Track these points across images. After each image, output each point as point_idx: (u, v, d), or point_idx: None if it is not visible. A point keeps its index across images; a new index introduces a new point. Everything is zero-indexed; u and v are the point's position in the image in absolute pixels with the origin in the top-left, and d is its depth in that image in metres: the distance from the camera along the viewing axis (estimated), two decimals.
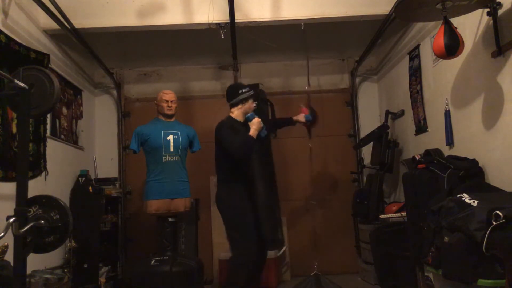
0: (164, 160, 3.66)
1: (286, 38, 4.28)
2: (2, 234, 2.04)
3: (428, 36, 3.49)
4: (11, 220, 2.05)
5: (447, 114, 3.15)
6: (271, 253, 4.07)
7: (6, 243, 2.42)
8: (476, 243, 1.88)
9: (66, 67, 4.15)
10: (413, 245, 2.76)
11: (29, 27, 3.42)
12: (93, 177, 4.47)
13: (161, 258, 3.54)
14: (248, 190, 3.15)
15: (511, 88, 2.41)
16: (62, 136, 3.98)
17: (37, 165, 3.44)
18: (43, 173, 3.53)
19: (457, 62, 2.94)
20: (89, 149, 4.66)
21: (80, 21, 3.61)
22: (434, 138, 3.42)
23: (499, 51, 2.45)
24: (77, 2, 3.63)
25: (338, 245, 4.77)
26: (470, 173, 2.61)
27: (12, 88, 2.23)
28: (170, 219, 3.68)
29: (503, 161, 2.50)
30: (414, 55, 3.78)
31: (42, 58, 3.50)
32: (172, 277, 3.42)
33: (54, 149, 3.73)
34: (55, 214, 2.22)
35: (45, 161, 3.56)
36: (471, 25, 2.76)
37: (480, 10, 2.59)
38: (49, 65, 3.58)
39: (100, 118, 4.99)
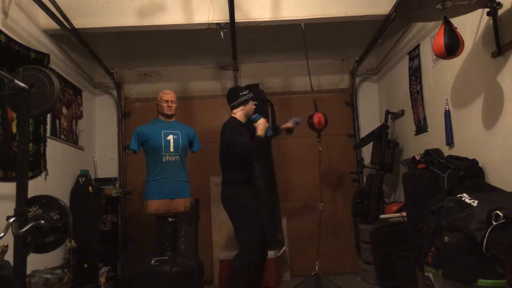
0: (164, 160, 3.66)
1: (286, 38, 4.28)
2: (2, 234, 2.04)
3: (428, 36, 3.49)
4: (11, 220, 2.05)
5: (447, 114, 3.15)
6: (271, 253, 4.07)
7: (6, 243, 2.42)
8: (476, 243, 1.88)
9: (66, 67, 4.15)
10: (413, 245, 2.76)
11: (29, 27, 3.42)
12: (93, 177, 4.47)
13: (161, 258, 3.54)
14: (255, 190, 3.27)
15: (511, 88, 2.41)
16: (62, 136, 3.98)
17: (37, 165, 3.44)
18: (43, 173, 3.53)
19: (457, 62, 2.94)
20: (89, 149, 4.66)
21: (80, 21, 3.61)
22: (434, 138, 3.42)
23: (499, 51, 2.45)
24: (77, 2, 3.63)
25: (338, 245, 4.77)
26: (470, 173, 2.61)
27: (12, 88, 2.23)
28: (170, 219, 3.68)
29: (503, 161, 2.50)
30: (414, 55, 3.78)
31: (42, 58, 3.50)
32: (172, 277, 3.42)
33: (54, 149, 3.73)
34: (55, 214, 2.22)
35: (45, 161, 3.56)
36: (471, 25, 2.76)
37: (480, 10, 2.59)
38: (49, 65, 3.58)
39: (100, 118, 4.99)
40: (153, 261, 3.51)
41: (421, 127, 3.70)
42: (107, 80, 4.96)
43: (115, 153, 4.93)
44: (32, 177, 3.30)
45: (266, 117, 4.46)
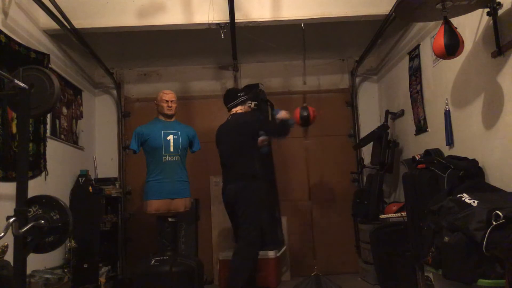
0: (164, 160, 3.66)
1: (286, 38, 4.28)
2: (2, 234, 2.04)
3: (428, 36, 3.49)
4: (11, 220, 2.05)
5: (447, 114, 3.15)
6: (271, 253, 4.08)
7: (6, 243, 2.42)
8: (476, 243, 1.88)
9: (66, 67, 4.15)
10: (413, 245, 2.76)
11: (29, 27, 3.42)
12: (93, 177, 4.47)
13: (161, 258, 3.54)
14: (268, 187, 3.48)
15: (511, 88, 2.41)
16: (62, 136, 3.98)
17: (37, 165, 3.45)
18: (43, 173, 3.53)
19: (457, 62, 2.94)
20: (89, 149, 4.66)
21: (80, 21, 3.61)
22: (434, 138, 3.42)
23: (499, 51, 2.45)
24: (77, 2, 3.63)
25: (338, 245, 4.77)
26: (470, 173, 2.60)
27: (12, 88, 2.23)
28: (170, 219, 3.68)
29: (503, 161, 2.50)
30: (414, 55, 3.78)
31: (42, 58, 3.50)
32: (172, 277, 3.42)
33: (54, 149, 3.73)
34: (55, 214, 2.22)
35: (45, 161, 3.56)
36: (471, 25, 2.76)
37: (480, 10, 2.59)
38: (49, 65, 3.58)
39: (100, 118, 4.99)
40: (153, 261, 3.51)
41: (421, 127, 3.70)
42: (107, 80, 4.96)
43: (115, 153, 4.93)
44: (32, 177, 3.30)
45: (266, 117, 4.48)
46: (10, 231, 2.07)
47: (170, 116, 3.81)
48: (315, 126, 4.91)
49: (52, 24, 3.47)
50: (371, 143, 4.43)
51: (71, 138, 4.21)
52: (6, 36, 3.03)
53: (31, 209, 2.19)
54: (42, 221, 2.17)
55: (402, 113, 4.16)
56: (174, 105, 3.81)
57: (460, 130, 3.02)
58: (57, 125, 3.90)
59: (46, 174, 3.56)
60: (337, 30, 4.22)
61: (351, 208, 4.50)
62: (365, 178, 4.71)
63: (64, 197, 3.82)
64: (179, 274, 3.45)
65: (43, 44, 3.64)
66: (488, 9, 2.51)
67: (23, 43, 3.26)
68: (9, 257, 2.29)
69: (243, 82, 4.87)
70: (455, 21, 2.60)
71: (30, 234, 2.12)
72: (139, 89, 5.06)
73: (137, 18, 3.67)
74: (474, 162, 2.70)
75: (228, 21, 3.59)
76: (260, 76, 4.94)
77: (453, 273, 2.06)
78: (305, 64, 4.99)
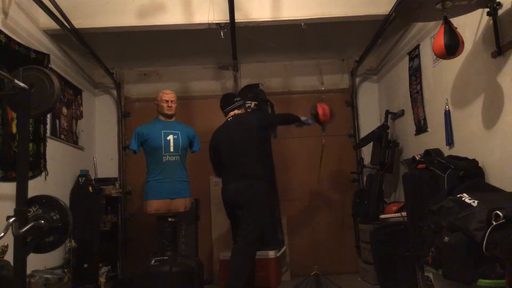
0: (164, 160, 3.66)
1: (286, 38, 4.29)
2: (2, 234, 2.04)
3: (428, 36, 3.49)
4: (11, 220, 2.06)
5: (447, 114, 3.15)
6: (271, 253, 4.08)
7: (6, 243, 2.42)
8: (476, 243, 1.88)
9: (66, 67, 4.15)
10: (413, 245, 2.76)
11: (29, 27, 3.42)
12: (93, 177, 4.47)
13: (161, 258, 3.54)
14: (267, 188, 3.53)
15: (511, 88, 2.41)
16: (62, 136, 3.98)
17: (37, 165, 3.45)
18: (43, 173, 3.53)
19: (457, 62, 2.94)
20: (89, 149, 4.67)
21: (80, 21, 3.61)
22: (434, 138, 3.42)
23: (499, 51, 2.45)
24: (77, 2, 3.63)
25: (338, 245, 4.77)
26: (470, 173, 2.60)
27: (12, 88, 2.23)
28: (170, 219, 3.68)
29: (503, 161, 2.50)
30: (414, 55, 3.78)
31: (42, 58, 3.50)
32: (172, 277, 3.42)
33: (54, 149, 3.73)
34: (55, 214, 2.22)
35: (45, 161, 3.56)
36: (471, 25, 2.76)
37: (480, 10, 2.59)
38: (49, 65, 3.58)
39: (100, 118, 4.99)
40: (153, 261, 3.51)
41: (421, 127, 3.70)
42: (107, 80, 4.96)
43: (115, 153, 4.93)
44: (32, 177, 3.30)
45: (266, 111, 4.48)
46: (10, 231, 2.07)
47: (170, 116, 3.81)
48: (315, 126, 4.92)
49: (52, 24, 3.47)
50: (371, 143, 4.43)
51: (71, 138, 4.21)
52: (6, 36, 3.03)
53: (31, 209, 2.19)
54: (42, 221, 2.18)
55: (402, 113, 4.16)
56: (174, 105, 3.81)
57: (460, 130, 3.02)
58: (57, 125, 3.90)
59: (46, 174, 3.56)
60: (337, 30, 4.22)
61: (351, 208, 4.50)
62: (365, 178, 4.70)
63: (64, 197, 3.82)
64: (179, 274, 3.45)
65: (43, 44, 3.64)
66: (488, 9, 2.51)
67: (23, 43, 3.26)
68: (9, 257, 2.30)
69: (243, 82, 4.87)
70: (455, 21, 2.60)
71: (30, 234, 2.12)
72: (139, 89, 5.06)
73: (137, 18, 3.67)
74: (474, 162, 2.69)
75: (228, 21, 3.59)
76: (260, 76, 4.94)
77: (453, 273, 2.06)
78: (303, 64, 5.01)
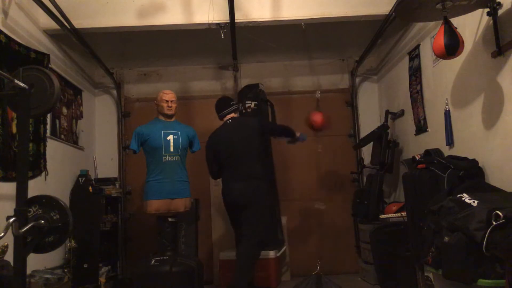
0: (164, 160, 3.66)
1: (286, 38, 4.28)
2: (2, 234, 2.05)
3: (428, 36, 3.49)
4: (11, 220, 2.06)
5: (447, 114, 3.15)
6: (271, 253, 4.08)
7: (6, 243, 2.42)
8: (476, 243, 1.88)
9: (66, 67, 4.15)
10: (413, 245, 2.76)
11: (29, 27, 3.42)
12: (93, 177, 4.47)
13: (161, 258, 3.54)
14: (268, 188, 3.60)
15: (511, 88, 2.41)
16: (62, 136, 3.98)
17: (37, 165, 3.45)
18: (43, 173, 3.53)
19: (457, 62, 2.94)
20: (89, 149, 4.66)
21: (80, 21, 3.61)
22: (434, 138, 3.42)
23: (499, 51, 2.45)
24: (77, 2, 3.63)
25: (338, 245, 4.77)
26: (470, 173, 2.60)
27: (12, 88, 2.23)
28: (170, 219, 3.68)
29: (503, 161, 2.50)
30: (414, 55, 3.78)
31: (42, 58, 3.50)
32: (172, 277, 3.42)
33: (54, 149, 3.73)
34: (55, 214, 2.22)
35: (45, 161, 3.56)
36: (471, 25, 2.76)
37: (480, 10, 2.59)
38: (49, 65, 3.58)
39: (100, 118, 4.99)
40: (153, 261, 3.51)
41: (421, 127, 3.70)
42: (107, 80, 4.96)
43: (115, 153, 4.93)
44: (32, 177, 3.30)
45: (266, 117, 4.49)
46: (10, 231, 2.07)
47: (170, 116, 3.81)
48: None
49: (52, 24, 3.47)
50: (371, 143, 4.43)
51: (71, 138, 4.21)
52: (6, 36, 3.03)
53: (31, 209, 2.19)
54: (42, 221, 2.18)
55: (402, 113, 4.16)
56: (174, 105, 3.81)
57: (460, 130, 3.02)
58: (57, 125, 3.90)
59: (46, 174, 3.56)
60: (337, 30, 4.22)
61: (351, 208, 4.50)
62: (365, 178, 4.70)
63: (64, 197, 3.82)
64: (179, 274, 3.45)
65: (43, 44, 3.64)
66: (488, 9, 2.51)
67: (23, 43, 3.26)
68: (9, 257, 2.30)
69: (243, 82, 4.87)
70: (455, 21, 2.60)
71: (30, 234, 2.13)
72: (139, 89, 5.06)
73: (137, 18, 3.67)
74: (474, 162, 2.69)
75: (228, 21, 3.59)
76: (260, 76, 4.94)
77: (453, 273, 2.06)
78: (303, 64, 5.01)
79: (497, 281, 1.87)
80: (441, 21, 2.51)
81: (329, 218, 4.84)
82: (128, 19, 3.67)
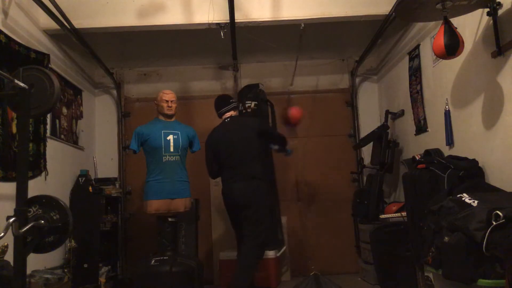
0: (164, 160, 3.66)
1: (286, 38, 4.28)
2: (2, 234, 2.04)
3: (428, 36, 3.49)
4: (11, 220, 2.05)
5: (447, 114, 3.15)
6: (271, 253, 4.08)
7: (6, 243, 2.42)
8: (476, 243, 1.88)
9: (66, 67, 4.15)
10: (413, 245, 2.76)
11: (29, 27, 3.42)
12: (93, 177, 4.47)
13: (161, 258, 3.54)
14: (268, 188, 3.61)
15: (511, 88, 2.41)
16: (62, 136, 3.98)
17: (37, 165, 3.44)
18: (43, 173, 3.53)
19: (457, 62, 2.94)
20: (89, 149, 4.66)
21: (80, 21, 3.61)
22: (434, 138, 3.42)
23: (499, 51, 2.45)
24: (77, 2, 3.63)
25: (338, 245, 4.77)
26: (470, 173, 2.60)
27: (12, 88, 2.23)
28: (170, 219, 3.68)
29: (503, 161, 2.50)
30: (414, 55, 3.78)
31: (42, 58, 3.50)
32: (172, 277, 3.42)
33: (54, 149, 3.73)
34: (55, 214, 2.22)
35: (45, 161, 3.56)
36: (471, 25, 2.76)
37: (480, 10, 2.59)
38: (49, 65, 3.58)
39: (100, 118, 4.99)
40: (153, 261, 3.51)
41: (421, 127, 3.70)
42: (107, 80, 4.96)
43: (115, 153, 4.93)
44: (32, 177, 3.30)
45: (266, 117, 4.48)
46: (10, 231, 2.07)
47: (170, 116, 3.81)
48: (315, 126, 4.95)
49: (52, 24, 3.47)
50: (371, 143, 4.43)
51: (71, 138, 4.21)
52: (6, 36, 3.03)
53: (31, 209, 2.19)
54: (42, 221, 2.17)
55: (402, 113, 4.16)
56: (174, 105, 3.81)
57: (460, 130, 3.02)
58: (57, 125, 3.90)
59: (46, 174, 3.56)
60: (337, 30, 4.22)
61: (351, 208, 4.50)
62: (365, 178, 4.70)
63: (64, 197, 3.82)
64: (179, 274, 3.45)
65: (43, 44, 3.64)
66: (488, 9, 2.51)
67: (23, 43, 3.26)
68: (9, 257, 2.29)
69: (243, 82, 4.87)
70: (455, 21, 2.60)
71: (30, 234, 2.12)
72: (139, 89, 5.06)
73: (137, 18, 3.67)
74: (474, 162, 2.70)
75: (228, 21, 3.59)
76: (260, 76, 4.94)
77: (453, 273, 2.06)
78: (303, 64, 5.00)
79: (497, 281, 1.87)
80: (441, 21, 2.51)
81: (329, 218, 4.84)
82: (128, 19, 3.67)
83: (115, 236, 4.48)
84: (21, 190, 2.13)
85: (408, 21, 3.58)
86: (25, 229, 2.06)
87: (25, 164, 2.22)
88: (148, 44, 4.46)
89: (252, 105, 4.43)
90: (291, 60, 5.02)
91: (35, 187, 3.10)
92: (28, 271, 2.41)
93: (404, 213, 3.24)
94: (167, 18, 3.68)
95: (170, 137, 3.71)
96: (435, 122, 3.41)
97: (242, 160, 3.45)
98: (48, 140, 3.64)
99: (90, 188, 4.00)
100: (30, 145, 3.30)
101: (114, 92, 5.03)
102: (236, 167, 3.46)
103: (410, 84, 3.91)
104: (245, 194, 3.37)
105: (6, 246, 2.44)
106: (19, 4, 3.26)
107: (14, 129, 3.08)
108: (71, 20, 3.53)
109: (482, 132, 2.71)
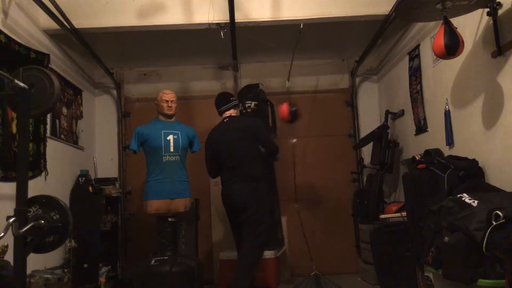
0: (164, 160, 3.66)
1: (286, 38, 4.28)
2: (2, 234, 2.04)
3: (428, 36, 3.49)
4: (11, 220, 2.05)
5: (447, 114, 3.15)
6: (271, 253, 4.08)
7: (6, 243, 2.42)
8: (476, 243, 1.88)
9: (66, 67, 4.15)
10: (413, 245, 2.76)
11: (29, 27, 3.42)
12: (93, 177, 4.47)
13: (161, 258, 3.54)
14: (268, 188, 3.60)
15: (511, 88, 2.41)
16: (62, 136, 3.98)
17: (37, 165, 3.44)
18: (43, 173, 3.53)
19: (457, 62, 2.94)
20: (89, 149, 4.66)
21: (80, 21, 3.61)
22: (434, 138, 3.42)
23: (499, 51, 2.45)
24: (77, 2, 3.63)
25: (338, 245, 4.77)
26: (470, 173, 2.60)
27: (12, 88, 2.23)
28: (170, 219, 3.68)
29: (503, 161, 2.50)
30: (414, 55, 3.78)
31: (42, 58, 3.50)
32: (172, 277, 3.42)
33: (54, 149, 3.73)
34: (55, 214, 2.22)
35: (45, 161, 3.56)
36: (471, 25, 2.76)
37: (480, 10, 2.59)
38: (49, 65, 3.58)
39: (100, 118, 4.99)
40: (153, 261, 3.51)
41: (421, 127, 3.70)
42: (107, 80, 4.96)
43: (115, 153, 4.93)
44: (32, 177, 3.30)
45: (266, 117, 4.48)
46: (10, 231, 2.07)
47: (170, 116, 3.81)
48: (315, 126, 4.95)
49: (52, 24, 3.47)
50: (371, 143, 4.43)
51: (71, 138, 4.21)
52: (6, 36, 3.03)
53: (31, 209, 2.19)
54: (42, 221, 2.17)
55: (402, 113, 4.16)
56: (174, 105, 3.81)
57: (460, 130, 3.02)
58: (57, 125, 3.90)
59: (46, 174, 3.56)
60: (337, 30, 4.22)
61: (351, 208, 4.50)
62: (365, 178, 4.70)
63: (64, 197, 3.82)
64: (179, 274, 3.45)
65: (43, 44, 3.64)
66: (488, 9, 2.51)
67: (23, 43, 3.26)
68: (9, 257, 2.29)
69: (243, 82, 4.87)
70: (455, 21, 2.60)
71: (30, 234, 2.12)
72: (139, 89, 5.06)
73: (137, 18, 3.67)
74: (474, 162, 2.70)
75: (228, 21, 3.59)
76: (260, 76, 4.94)
77: (453, 273, 2.06)
78: (303, 64, 5.01)
79: (497, 281, 1.87)
80: (441, 21, 2.51)
81: (329, 218, 4.84)
82: (128, 19, 3.67)
83: (115, 236, 4.48)
84: (21, 190, 2.13)
85: (408, 21, 3.58)
86: (25, 229, 2.06)
87: (25, 164, 2.22)
88: (148, 44, 4.46)
89: (252, 105, 4.43)
90: (291, 60, 5.03)
91: (35, 187, 3.10)
92: (28, 271, 2.41)
93: (404, 213, 3.24)
94: (167, 18, 3.68)
95: (170, 137, 3.71)
96: (435, 122, 3.41)
97: (242, 160, 3.45)
98: (48, 140, 3.64)
99: (90, 188, 4.00)
100: (30, 145, 3.30)
101: (114, 92, 5.03)
102: (236, 168, 3.46)
103: (410, 84, 3.91)
104: (245, 196, 3.36)
105: (6, 246, 2.44)
106: (19, 4, 3.26)
107: (14, 129, 3.08)
108: (71, 20, 3.53)
109: (482, 132, 2.71)
